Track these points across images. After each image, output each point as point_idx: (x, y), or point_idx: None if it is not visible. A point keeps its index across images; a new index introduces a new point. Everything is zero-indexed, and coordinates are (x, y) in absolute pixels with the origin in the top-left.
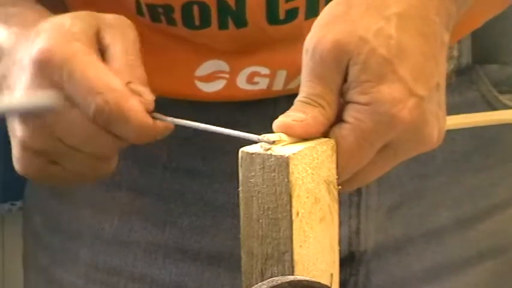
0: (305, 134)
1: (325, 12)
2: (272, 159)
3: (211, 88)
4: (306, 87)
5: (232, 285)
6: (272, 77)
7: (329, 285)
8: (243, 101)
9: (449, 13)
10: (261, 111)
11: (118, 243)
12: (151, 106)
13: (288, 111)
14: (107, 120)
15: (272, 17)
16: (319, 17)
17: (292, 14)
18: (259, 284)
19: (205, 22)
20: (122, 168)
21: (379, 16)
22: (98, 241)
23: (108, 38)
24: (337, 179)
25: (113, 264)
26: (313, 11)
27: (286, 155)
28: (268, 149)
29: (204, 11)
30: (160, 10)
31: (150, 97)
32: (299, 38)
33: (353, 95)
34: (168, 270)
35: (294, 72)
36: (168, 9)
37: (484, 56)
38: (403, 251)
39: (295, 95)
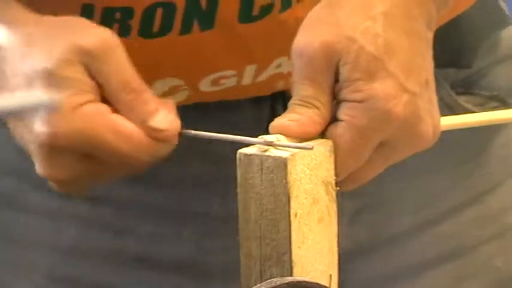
0: (302, 134)
1: (310, 17)
2: (270, 161)
3: (175, 99)
4: (298, 90)
5: None
6: (240, 76)
7: (328, 286)
8: (206, 108)
9: (430, 14)
10: (226, 118)
11: (76, 253)
12: (176, 130)
13: (283, 114)
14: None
15: (244, 15)
16: (304, 22)
17: (266, 10)
18: (258, 285)
19: (165, 27)
20: None
21: (365, 16)
22: (55, 251)
23: (99, 76)
24: (336, 179)
25: (72, 274)
26: (287, 3)
27: (284, 156)
28: (266, 150)
29: (169, 13)
30: (117, 15)
31: (168, 123)
32: (271, 31)
33: (346, 93)
34: (127, 280)
35: (264, 65)
36: (127, 14)
37: (442, 60)
38: (367, 255)
39: (263, 100)
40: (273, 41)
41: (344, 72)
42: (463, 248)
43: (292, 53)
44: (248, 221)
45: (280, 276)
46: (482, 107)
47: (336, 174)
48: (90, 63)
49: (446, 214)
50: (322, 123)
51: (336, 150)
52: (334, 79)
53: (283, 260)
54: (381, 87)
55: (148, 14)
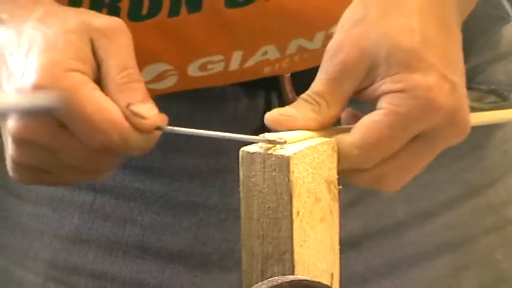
0: (292, 128)
1: (345, 17)
2: (273, 159)
3: (164, 85)
4: (313, 84)
5: (193, 283)
6: (227, 61)
7: (329, 285)
8: (202, 100)
9: (459, 11)
10: (221, 110)
11: (78, 242)
12: (156, 122)
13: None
14: (111, 151)
15: (231, 0)
16: (339, 21)
17: None
18: (259, 283)
19: (154, 8)
20: None
21: (399, 13)
22: (58, 240)
23: (102, 52)
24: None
25: (73, 262)
26: None
27: (287, 155)
28: (268, 149)
29: None
30: None
31: (151, 113)
32: (256, 18)
33: (386, 86)
34: (128, 268)
35: (251, 52)
36: None
37: None
38: (361, 246)
39: (256, 89)
40: (259, 28)
41: (381, 72)
42: (462, 240)
43: (326, 51)
44: (250, 219)
45: (282, 274)
46: (481, 102)
47: (363, 161)
48: (96, 38)
49: (445, 206)
50: (319, 121)
51: (368, 134)
52: (357, 84)
53: (284, 258)
54: (423, 78)
55: None
